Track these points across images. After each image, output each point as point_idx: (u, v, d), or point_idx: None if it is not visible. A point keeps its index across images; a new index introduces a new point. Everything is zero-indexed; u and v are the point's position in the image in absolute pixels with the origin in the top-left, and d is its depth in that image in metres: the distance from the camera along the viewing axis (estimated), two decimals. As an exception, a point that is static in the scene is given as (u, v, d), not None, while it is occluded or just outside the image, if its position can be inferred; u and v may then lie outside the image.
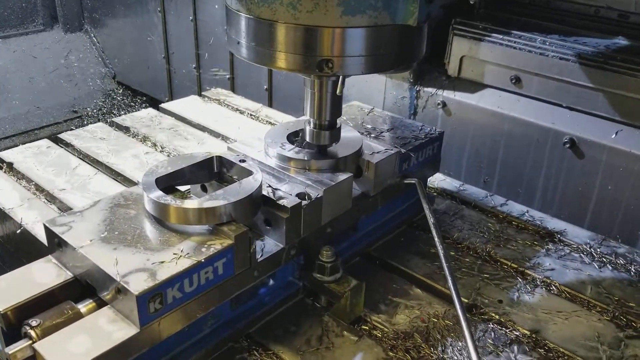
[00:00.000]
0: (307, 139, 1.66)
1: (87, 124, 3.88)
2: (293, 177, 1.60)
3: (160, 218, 1.37)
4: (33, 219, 1.90)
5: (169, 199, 1.36)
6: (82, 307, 1.31)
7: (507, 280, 1.74)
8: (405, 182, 1.70)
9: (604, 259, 1.84)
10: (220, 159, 1.57)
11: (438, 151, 1.98)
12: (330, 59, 1.35)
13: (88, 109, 3.97)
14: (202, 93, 2.92)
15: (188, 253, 1.28)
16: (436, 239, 1.47)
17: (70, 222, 1.38)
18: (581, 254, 1.87)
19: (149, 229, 1.36)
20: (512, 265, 1.80)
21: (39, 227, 1.86)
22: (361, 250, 1.84)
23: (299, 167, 1.63)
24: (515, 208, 2.10)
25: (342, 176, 1.61)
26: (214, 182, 1.60)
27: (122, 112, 4.04)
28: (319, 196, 1.53)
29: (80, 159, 2.30)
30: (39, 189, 2.09)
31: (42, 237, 1.79)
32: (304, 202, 1.50)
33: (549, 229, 1.98)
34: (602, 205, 2.29)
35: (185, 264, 1.26)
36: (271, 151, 1.69)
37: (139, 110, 4.12)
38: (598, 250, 1.88)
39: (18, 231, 1.85)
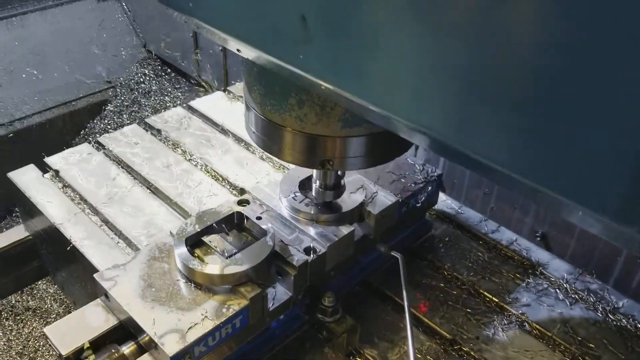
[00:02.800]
0: (314, 195, 1.88)
1: (120, 94, 4.14)
2: (302, 229, 1.84)
3: (189, 276, 1.65)
4: (80, 235, 2.20)
5: (196, 264, 1.63)
6: (126, 349, 1.63)
7: (487, 316, 2.00)
8: (392, 253, 1.92)
9: (577, 295, 2.08)
10: (240, 214, 1.82)
11: (436, 189, 2.19)
12: (331, 159, 1.55)
13: (121, 78, 4.19)
14: (227, 88, 3.11)
15: (211, 315, 1.57)
16: (407, 325, 1.68)
17: (115, 276, 1.67)
18: (557, 289, 2.10)
19: (180, 286, 1.64)
20: (494, 299, 2.05)
21: (87, 244, 2.17)
22: (360, 280, 2.11)
23: (307, 219, 1.87)
24: (505, 236, 2.31)
25: (345, 230, 1.85)
26: (234, 231, 1.86)
27: (153, 82, 4.26)
28: (323, 252, 1.78)
29: (118, 164, 2.57)
30: (83, 199, 2.38)
31: (90, 254, 2.11)
32: (310, 258, 1.75)
33: (533, 261, 2.20)
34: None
35: (209, 325, 1.54)
36: (284, 201, 1.93)
37: (169, 79, 4.35)
38: (573, 285, 2.11)
39: (68, 248, 2.16)
